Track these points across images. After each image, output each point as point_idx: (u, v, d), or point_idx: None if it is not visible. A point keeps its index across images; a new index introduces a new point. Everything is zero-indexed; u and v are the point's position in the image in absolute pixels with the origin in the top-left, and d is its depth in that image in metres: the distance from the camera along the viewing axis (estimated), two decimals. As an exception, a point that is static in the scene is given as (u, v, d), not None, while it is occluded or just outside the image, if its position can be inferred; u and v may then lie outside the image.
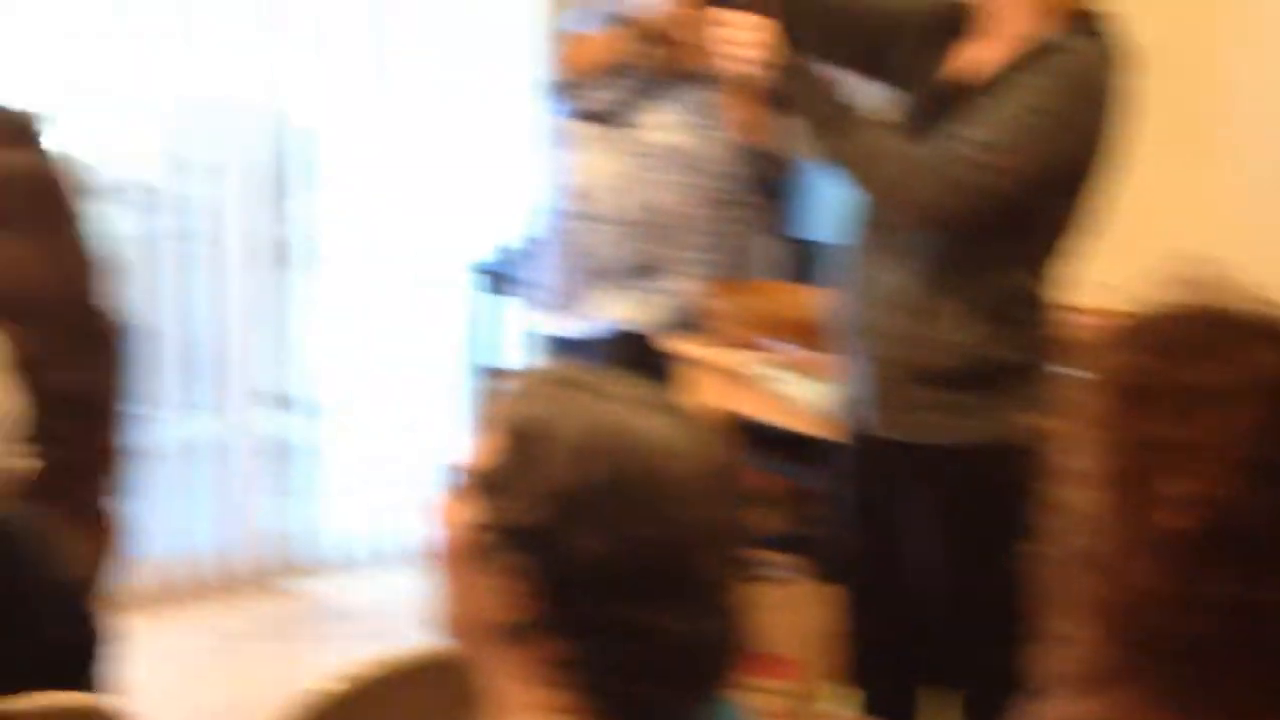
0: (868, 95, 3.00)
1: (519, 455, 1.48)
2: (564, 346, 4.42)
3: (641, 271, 4.29)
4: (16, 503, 2.17)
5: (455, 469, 1.54)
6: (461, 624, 1.56)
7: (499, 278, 5.09)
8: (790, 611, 3.77)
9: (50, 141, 3.11)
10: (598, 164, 4.28)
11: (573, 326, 4.40)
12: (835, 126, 2.81)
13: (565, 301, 4.42)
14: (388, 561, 5.19)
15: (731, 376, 3.89)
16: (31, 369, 2.56)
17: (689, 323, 4.19)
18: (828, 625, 3.27)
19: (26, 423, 2.21)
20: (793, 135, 4.08)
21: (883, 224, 2.89)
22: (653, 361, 4.04)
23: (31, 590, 2.04)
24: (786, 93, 2.82)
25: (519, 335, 5.17)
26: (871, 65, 3.00)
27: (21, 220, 3.01)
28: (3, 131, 3.07)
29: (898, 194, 2.81)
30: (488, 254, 5.17)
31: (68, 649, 2.10)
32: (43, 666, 2.01)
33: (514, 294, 4.98)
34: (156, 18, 4.80)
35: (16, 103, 3.23)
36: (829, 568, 3.49)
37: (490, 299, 5.16)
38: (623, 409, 1.49)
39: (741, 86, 2.90)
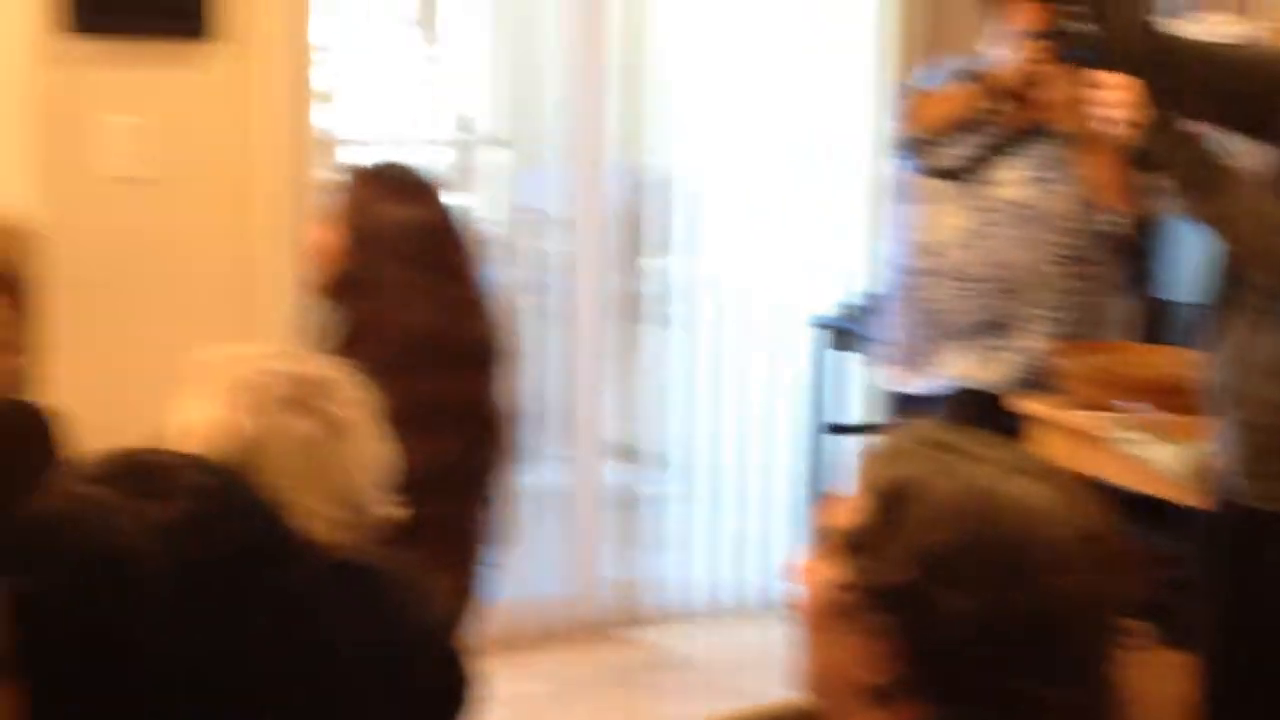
0: (1235, 152, 2.93)
1: (886, 515, 1.48)
2: (908, 404, 4.40)
3: (989, 329, 4.24)
4: (389, 549, 2.24)
5: (819, 527, 1.55)
6: (823, 682, 1.56)
7: (843, 333, 5.09)
8: (1145, 680, 3.67)
9: (443, 195, 3.24)
10: (946, 220, 4.25)
11: (917, 383, 4.37)
12: (1205, 186, 2.74)
13: (910, 358, 4.39)
14: (728, 613, 5.23)
15: (1083, 438, 3.81)
16: (415, 415, 2.68)
17: (1038, 382, 4.13)
18: (1184, 695, 3.19)
19: (399, 471, 2.28)
20: (1153, 193, 4.00)
21: (1257, 286, 2.81)
22: (1000, 421, 3.99)
23: (403, 635, 2.10)
24: (1153, 151, 2.77)
25: (863, 391, 5.17)
26: (1252, 124, 2.92)
27: (422, 270, 3.13)
28: (401, 186, 3.21)
29: (1270, 256, 2.73)
30: (832, 309, 5.18)
31: (438, 694, 2.16)
32: (414, 712, 2.07)
33: (858, 349, 4.98)
34: (519, 75, 4.95)
35: (408, 159, 3.38)
36: (1185, 636, 3.39)
37: (834, 354, 5.16)
38: (994, 471, 1.48)
39: (1104, 144, 2.86)
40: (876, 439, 1.59)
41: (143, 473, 1.47)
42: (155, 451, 1.54)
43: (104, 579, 1.41)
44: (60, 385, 3.54)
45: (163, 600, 1.41)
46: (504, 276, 4.92)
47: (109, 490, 1.44)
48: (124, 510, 1.42)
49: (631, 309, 5.20)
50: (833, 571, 1.52)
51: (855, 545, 1.50)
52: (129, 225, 4.07)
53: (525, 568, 4.98)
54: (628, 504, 5.28)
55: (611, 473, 5.19)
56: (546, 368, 5.03)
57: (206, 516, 1.44)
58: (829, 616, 1.52)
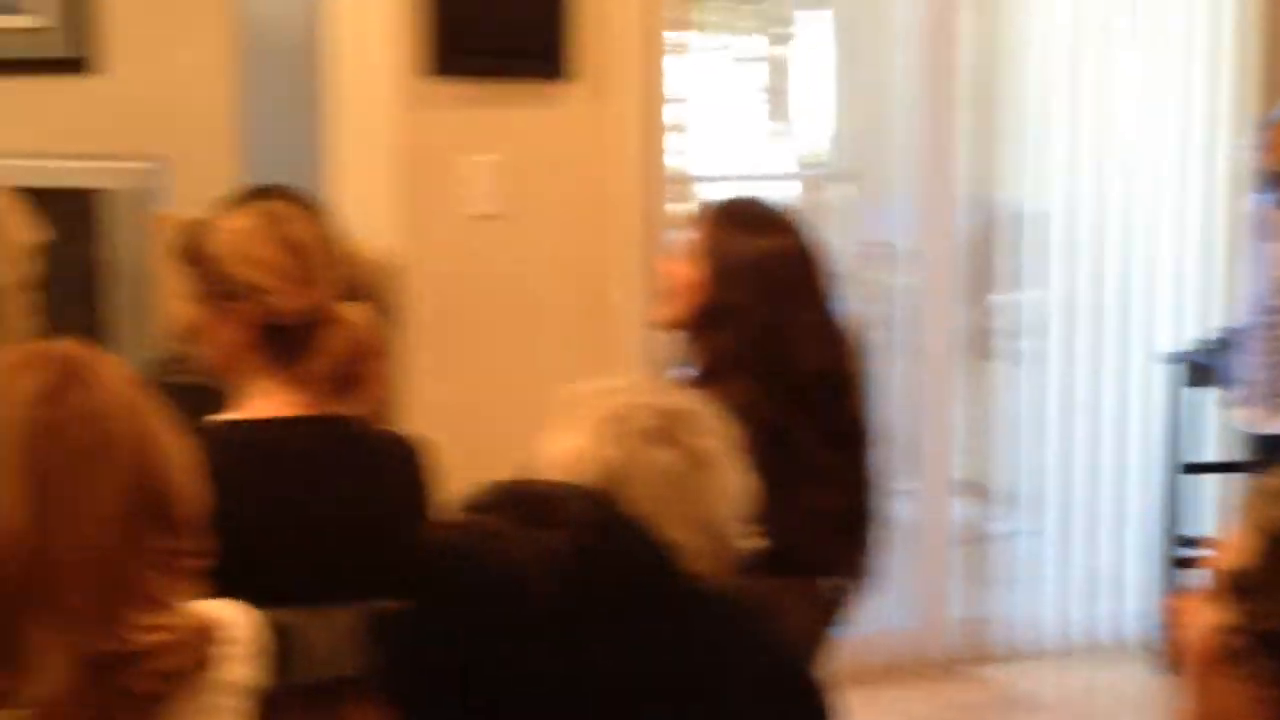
0: None
1: (1275, 557, 1.44)
2: (1269, 445, 4.26)
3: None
4: (749, 580, 2.25)
5: (1204, 568, 1.51)
6: (1206, 728, 1.53)
7: (1199, 370, 4.96)
8: None
9: (799, 226, 3.26)
10: (1311, 255, 4.13)
11: (1277, 425, 4.24)
12: None
13: (1270, 398, 4.26)
14: (1079, 652, 5.13)
15: None
16: (778, 445, 2.69)
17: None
18: None
19: (756, 501, 2.30)
20: None
21: None
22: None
23: (766, 665, 2.11)
24: None
25: (1220, 429, 5.02)
26: None
27: (783, 301, 3.16)
28: (758, 219, 3.25)
29: None
30: (1188, 345, 5.05)
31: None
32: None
33: (1215, 387, 4.84)
34: (866, 109, 4.95)
35: (760, 193, 3.42)
36: None
37: (1190, 392, 5.03)
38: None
39: None
40: (1262, 479, 1.54)
41: (531, 502, 1.50)
42: (539, 482, 1.58)
43: (497, 605, 1.44)
44: (423, 414, 3.65)
45: (551, 627, 1.44)
46: (852, 310, 4.92)
47: (501, 519, 1.48)
48: (516, 539, 1.46)
49: (981, 344, 5.15)
50: (1218, 614, 1.48)
51: (1242, 588, 1.46)
52: (488, 260, 4.18)
53: (874, 602, 4.96)
54: (977, 541, 5.22)
55: (960, 509, 5.15)
56: (894, 402, 5.01)
57: (594, 545, 1.47)
58: (1214, 661, 1.48)
